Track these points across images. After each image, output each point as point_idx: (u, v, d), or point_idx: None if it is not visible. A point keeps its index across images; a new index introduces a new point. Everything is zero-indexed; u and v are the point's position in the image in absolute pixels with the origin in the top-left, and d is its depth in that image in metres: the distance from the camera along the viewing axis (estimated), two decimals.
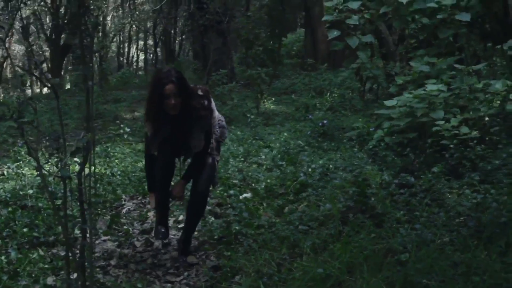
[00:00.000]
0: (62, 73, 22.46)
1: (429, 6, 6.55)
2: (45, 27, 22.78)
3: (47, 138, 2.56)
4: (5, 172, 6.21)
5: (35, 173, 5.30)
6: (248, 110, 10.73)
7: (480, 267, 3.00)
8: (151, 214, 4.84)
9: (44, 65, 21.88)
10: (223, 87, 12.15)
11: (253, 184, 5.44)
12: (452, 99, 5.65)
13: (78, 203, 2.80)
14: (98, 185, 5.44)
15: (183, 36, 23.97)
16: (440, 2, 6.51)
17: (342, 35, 7.49)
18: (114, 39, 28.86)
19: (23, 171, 5.93)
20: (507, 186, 4.19)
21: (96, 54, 18.08)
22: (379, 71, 9.21)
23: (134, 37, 30.00)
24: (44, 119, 10.48)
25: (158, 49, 26.78)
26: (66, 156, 2.53)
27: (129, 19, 25.76)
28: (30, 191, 5.06)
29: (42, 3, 20.94)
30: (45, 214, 4.52)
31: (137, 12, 25.85)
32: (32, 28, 22.89)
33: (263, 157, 6.64)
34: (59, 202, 3.82)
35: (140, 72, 27.38)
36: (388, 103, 6.16)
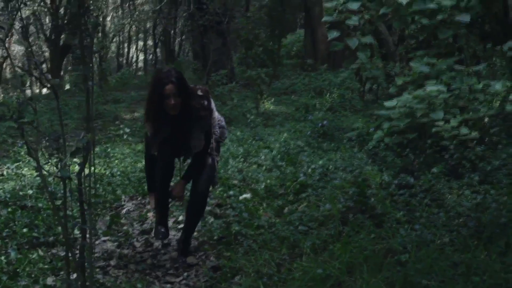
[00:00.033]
0: (62, 73, 22.45)
1: (429, 7, 6.55)
2: (44, 28, 22.75)
3: (47, 138, 2.56)
4: (5, 173, 6.20)
5: (35, 174, 5.29)
6: (248, 110, 10.71)
7: (480, 267, 3.01)
8: (150, 214, 4.84)
9: (44, 65, 21.85)
10: (223, 88, 12.14)
11: (253, 185, 5.43)
12: (452, 99, 5.65)
13: (78, 204, 2.80)
14: (98, 185, 5.44)
15: (183, 37, 23.96)
16: (440, 3, 6.51)
17: (342, 35, 7.47)
18: (114, 40, 28.84)
19: (22, 172, 5.93)
20: (507, 187, 4.20)
21: (96, 55, 18.04)
22: (379, 71, 9.21)
23: (134, 38, 29.98)
24: (44, 119, 10.46)
25: (158, 50, 26.76)
26: (66, 156, 2.53)
27: (129, 19, 25.74)
28: (30, 192, 5.06)
29: (42, 3, 20.91)
30: (45, 215, 4.52)
31: (137, 13, 25.83)
32: (32, 28, 22.89)
33: (263, 157, 6.63)
34: (59, 202, 3.83)
35: (139, 73, 27.37)
36: (388, 103, 6.16)
